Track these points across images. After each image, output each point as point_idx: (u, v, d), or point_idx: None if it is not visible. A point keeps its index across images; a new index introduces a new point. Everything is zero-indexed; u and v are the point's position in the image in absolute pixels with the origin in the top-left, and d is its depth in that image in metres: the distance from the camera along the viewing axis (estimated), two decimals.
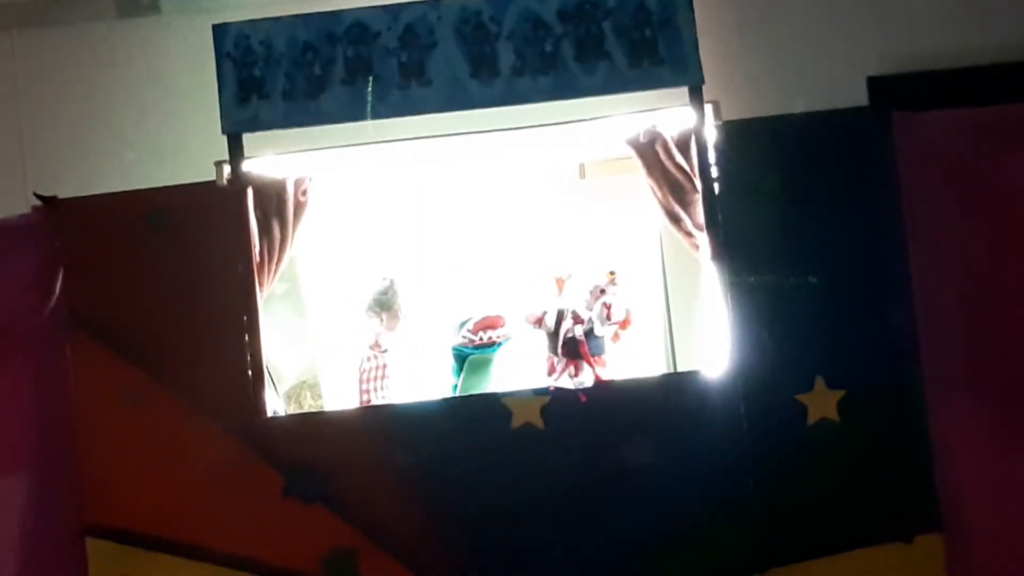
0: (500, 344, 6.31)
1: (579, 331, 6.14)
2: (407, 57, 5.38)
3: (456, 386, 6.32)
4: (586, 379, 6.06)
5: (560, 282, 6.32)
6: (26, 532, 5.30)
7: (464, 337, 6.35)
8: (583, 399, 5.34)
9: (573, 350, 6.13)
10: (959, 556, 5.12)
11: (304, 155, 5.75)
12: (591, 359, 6.12)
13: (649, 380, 5.74)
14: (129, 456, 5.29)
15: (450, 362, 6.42)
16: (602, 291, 6.18)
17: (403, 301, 6.43)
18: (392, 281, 6.46)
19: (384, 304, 6.41)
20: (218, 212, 5.41)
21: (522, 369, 6.39)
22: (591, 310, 6.16)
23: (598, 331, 6.14)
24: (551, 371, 6.13)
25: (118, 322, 5.35)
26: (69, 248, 5.39)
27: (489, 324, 6.33)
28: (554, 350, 6.15)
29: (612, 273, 6.26)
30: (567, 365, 6.13)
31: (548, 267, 6.44)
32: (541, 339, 6.26)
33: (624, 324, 6.22)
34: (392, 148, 5.92)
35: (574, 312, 6.19)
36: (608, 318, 6.15)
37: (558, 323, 6.20)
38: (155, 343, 5.33)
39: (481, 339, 6.29)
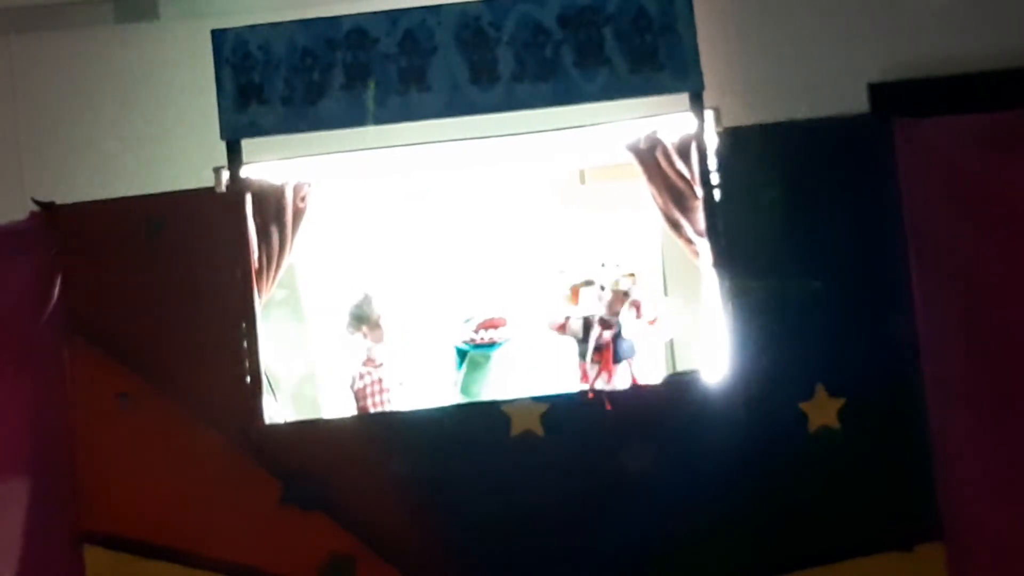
0: (499, 344, 6.34)
1: (608, 336, 6.18)
2: (407, 63, 5.36)
3: (457, 382, 6.37)
4: (619, 385, 6.11)
5: (575, 291, 6.34)
6: (23, 538, 5.27)
7: (467, 336, 6.39)
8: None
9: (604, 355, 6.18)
10: (961, 565, 5.09)
11: (303, 161, 5.73)
12: (614, 364, 6.16)
13: (649, 387, 5.72)
14: (126, 463, 5.27)
15: (452, 358, 6.47)
16: (625, 293, 6.21)
17: (381, 311, 6.44)
18: (366, 294, 6.48)
19: (361, 317, 6.42)
20: (216, 218, 5.39)
21: (532, 372, 6.43)
22: (616, 315, 6.19)
23: (626, 333, 6.17)
24: (584, 378, 6.16)
25: (116, 328, 5.32)
26: (67, 254, 5.36)
27: (491, 324, 6.36)
28: (584, 356, 6.20)
29: (632, 274, 6.29)
30: (600, 371, 6.17)
31: (563, 276, 6.48)
32: (570, 346, 6.32)
33: (652, 323, 6.27)
34: (391, 154, 5.90)
35: (601, 318, 6.23)
36: (638, 316, 6.18)
37: (586, 330, 6.23)
38: (153, 349, 5.31)
39: (482, 339, 6.33)
